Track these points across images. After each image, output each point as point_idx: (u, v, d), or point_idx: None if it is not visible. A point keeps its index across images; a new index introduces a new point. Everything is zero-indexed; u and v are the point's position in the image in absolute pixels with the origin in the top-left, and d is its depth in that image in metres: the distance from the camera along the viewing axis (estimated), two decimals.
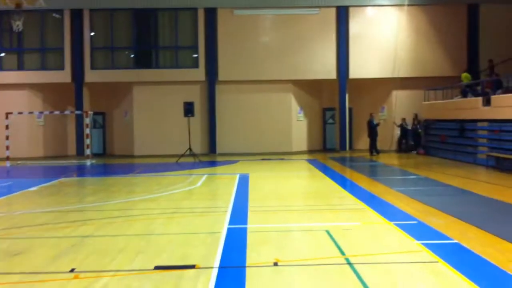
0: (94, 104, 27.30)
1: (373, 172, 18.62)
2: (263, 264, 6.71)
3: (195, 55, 26.82)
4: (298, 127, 27.37)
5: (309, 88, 27.95)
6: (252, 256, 7.11)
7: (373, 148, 25.07)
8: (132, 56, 27.48)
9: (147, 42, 27.55)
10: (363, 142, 27.34)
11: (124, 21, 27.21)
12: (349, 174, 17.85)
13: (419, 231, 8.47)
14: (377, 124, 25.44)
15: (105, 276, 6.35)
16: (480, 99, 20.05)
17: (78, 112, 25.54)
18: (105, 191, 14.19)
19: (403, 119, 26.45)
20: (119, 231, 8.90)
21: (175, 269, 6.56)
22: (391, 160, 22.63)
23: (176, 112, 24.91)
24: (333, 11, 26.69)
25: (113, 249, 7.63)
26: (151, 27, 27.23)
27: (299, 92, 27.53)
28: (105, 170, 21.15)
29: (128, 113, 27.15)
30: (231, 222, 9.52)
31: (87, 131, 23.51)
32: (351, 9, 26.70)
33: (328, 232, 8.42)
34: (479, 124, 19.72)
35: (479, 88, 21.81)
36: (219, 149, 26.83)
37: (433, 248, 7.28)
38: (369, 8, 26.86)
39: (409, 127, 26.23)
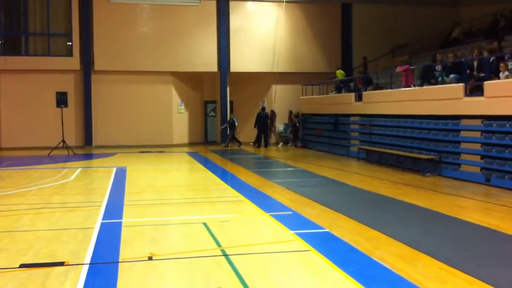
0: None
1: (253, 164, 18.91)
2: (137, 259, 6.52)
3: (69, 43, 25.57)
4: (179, 119, 27.11)
5: (190, 81, 27.79)
6: (126, 251, 6.88)
7: (266, 139, 25.78)
8: None
9: (16, 28, 25.80)
10: (244, 135, 27.70)
11: None
12: (229, 166, 17.99)
13: (293, 221, 8.71)
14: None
15: None
16: (352, 94, 21.09)
17: None
18: None
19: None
20: None
21: (42, 267, 6.18)
22: (270, 153, 23.14)
23: (48, 102, 23.60)
24: (213, 4, 26.69)
25: None
26: (20, 12, 25.47)
27: (179, 84, 27.27)
28: None
29: None
30: (105, 217, 9.18)
31: None
32: (231, 3, 26.88)
33: (205, 224, 8.38)
34: (352, 119, 20.73)
35: (352, 84, 22.91)
36: (95, 142, 25.84)
37: (305, 237, 7.50)
38: (249, 2, 27.22)
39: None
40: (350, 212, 9.26)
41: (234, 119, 26.27)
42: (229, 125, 26.41)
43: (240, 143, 26.44)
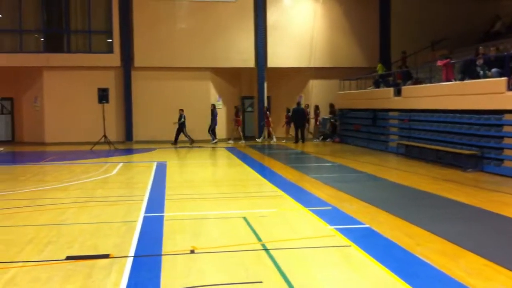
0: (1, 89, 25.94)
1: (290, 159, 18.90)
2: (180, 252, 6.64)
3: (109, 40, 26.05)
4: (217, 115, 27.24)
5: (228, 76, 27.93)
6: (168, 244, 7.01)
7: (303, 134, 25.63)
8: (42, 39, 26.27)
9: (57, 26, 26.47)
10: (281, 130, 27.69)
11: (33, 3, 25.94)
12: (267, 161, 18.03)
13: (333, 216, 8.70)
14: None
15: (13, 267, 6.04)
16: (391, 89, 20.85)
17: None
18: (13, 180, 13.52)
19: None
20: (28, 221, 8.52)
21: (87, 259, 6.35)
22: (307, 148, 23.09)
23: (90, 99, 24.11)
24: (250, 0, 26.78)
25: (21, 239, 7.28)
26: (62, 10, 26.12)
27: (217, 80, 27.45)
28: (14, 158, 20.20)
29: (38, 99, 25.99)
30: (147, 210, 9.35)
31: None
32: None
33: (245, 219, 8.46)
34: (390, 114, 20.51)
35: (390, 79, 22.65)
36: (135, 137, 26.28)
37: (345, 232, 7.49)
38: None
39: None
40: (390, 208, 9.19)
41: (183, 115, 24.75)
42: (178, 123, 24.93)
43: (192, 140, 24.95)
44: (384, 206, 9.35)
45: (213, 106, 25.73)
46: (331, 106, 26.97)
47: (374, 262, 6.12)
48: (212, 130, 25.52)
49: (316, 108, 26.99)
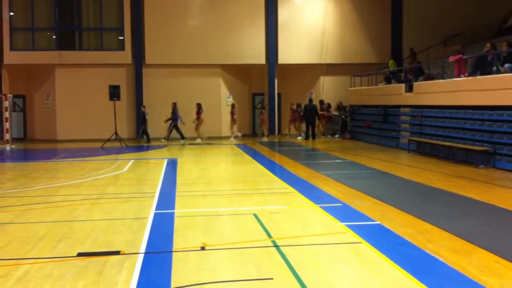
0: (13, 87, 26.11)
1: (301, 156, 18.87)
2: (190, 248, 6.66)
3: (121, 37, 26.16)
4: (227, 112, 27.25)
5: (238, 73, 27.94)
6: (179, 241, 7.03)
7: (313, 131, 25.41)
8: (53, 37, 26.44)
9: (69, 23, 26.62)
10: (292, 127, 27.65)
11: (45, 0, 26.10)
12: (277, 158, 18.02)
13: (344, 213, 8.69)
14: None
15: (25, 264, 6.09)
16: (403, 85, 20.73)
17: None
18: (25, 177, 13.62)
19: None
20: (40, 218, 8.58)
21: (99, 256, 6.39)
22: (318, 144, 23.03)
23: (101, 96, 24.25)
24: None
25: (34, 236, 7.34)
26: (74, 8, 26.29)
27: (228, 77, 27.47)
28: (26, 155, 20.34)
29: (50, 96, 26.16)
30: (158, 207, 9.39)
31: (6, 114, 22.37)
32: None
33: (255, 215, 8.46)
34: (402, 110, 20.40)
35: (402, 75, 22.52)
36: None
37: (356, 229, 7.47)
38: None
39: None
40: (401, 205, 9.15)
41: (145, 112, 24.57)
42: (141, 119, 24.73)
43: (149, 139, 24.40)
44: (395, 203, 9.31)
45: (174, 105, 24.26)
46: (321, 102, 26.76)
47: (385, 258, 6.10)
48: (174, 127, 24.39)
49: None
